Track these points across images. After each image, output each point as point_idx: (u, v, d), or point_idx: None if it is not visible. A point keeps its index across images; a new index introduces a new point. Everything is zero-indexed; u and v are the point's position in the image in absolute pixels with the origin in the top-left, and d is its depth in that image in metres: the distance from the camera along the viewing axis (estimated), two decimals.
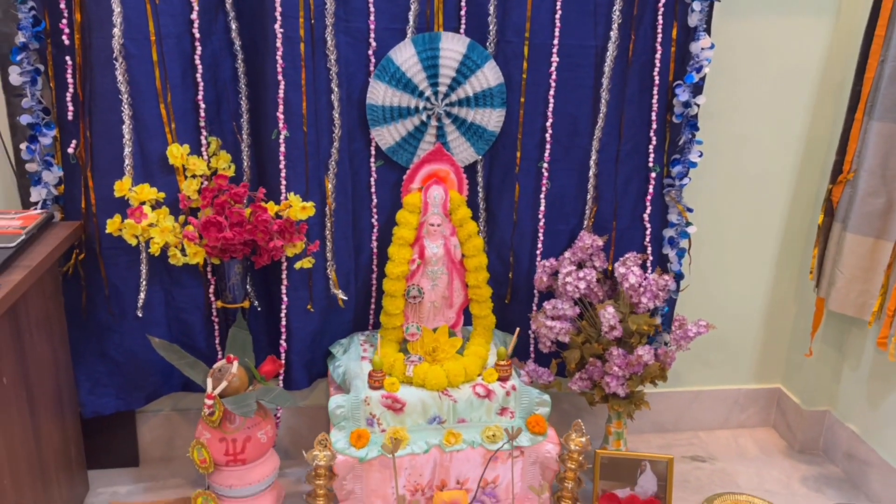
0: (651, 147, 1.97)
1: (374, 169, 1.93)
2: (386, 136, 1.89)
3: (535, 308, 2.07)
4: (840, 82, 2.09)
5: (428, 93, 1.86)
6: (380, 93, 1.84)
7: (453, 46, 1.83)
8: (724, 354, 2.39)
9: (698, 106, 1.92)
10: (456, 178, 1.93)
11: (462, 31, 1.85)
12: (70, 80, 1.71)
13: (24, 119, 1.71)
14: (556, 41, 1.85)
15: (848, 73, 2.03)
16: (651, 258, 2.06)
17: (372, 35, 1.81)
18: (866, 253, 1.96)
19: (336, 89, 1.82)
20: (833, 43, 2.07)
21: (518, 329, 1.98)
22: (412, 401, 1.80)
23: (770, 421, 2.50)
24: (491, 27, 1.85)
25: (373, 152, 1.92)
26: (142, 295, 1.86)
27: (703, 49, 1.87)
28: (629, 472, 1.94)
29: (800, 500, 2.13)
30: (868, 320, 2.02)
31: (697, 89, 1.91)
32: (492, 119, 1.91)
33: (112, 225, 1.74)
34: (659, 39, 1.88)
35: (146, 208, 1.73)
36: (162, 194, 1.77)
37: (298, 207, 1.80)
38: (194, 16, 1.70)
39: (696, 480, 2.21)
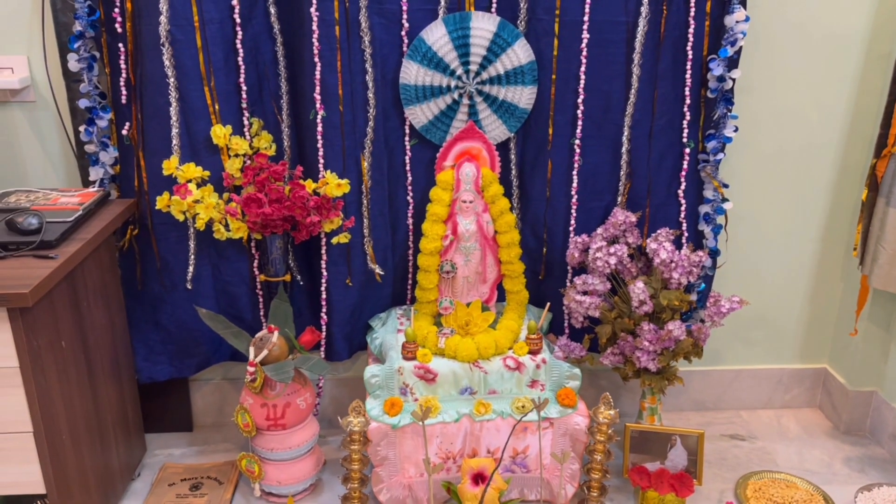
0: (685, 122, 1.96)
1: (408, 147, 1.99)
2: (419, 114, 1.94)
3: (568, 284, 2.09)
4: (886, 53, 2.02)
5: (459, 71, 1.90)
6: (412, 72, 1.89)
7: (484, 25, 1.87)
8: (766, 333, 2.35)
9: (733, 80, 1.90)
10: (488, 155, 1.97)
11: (493, 9, 1.88)
12: (123, 66, 1.82)
13: (83, 103, 1.83)
14: (586, 17, 1.86)
15: (894, 44, 1.96)
16: (686, 234, 2.06)
17: (405, 16, 1.86)
18: None
19: (370, 70, 1.87)
20: (878, 12, 2.00)
21: (549, 304, 2.01)
22: (444, 371, 1.86)
23: (816, 401, 2.45)
24: (521, 5, 1.87)
25: (407, 131, 1.97)
26: (190, 268, 1.97)
27: (737, 22, 1.84)
28: (659, 446, 1.95)
29: (841, 479, 2.10)
30: None
31: (732, 63, 1.89)
32: (523, 96, 1.94)
33: (161, 201, 1.85)
34: (692, 13, 1.86)
35: (191, 186, 1.84)
36: (207, 172, 1.87)
37: (334, 184, 1.88)
38: (235, 2, 1.78)
39: (734, 458, 2.20)
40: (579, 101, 1.94)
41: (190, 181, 1.84)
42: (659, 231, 1.97)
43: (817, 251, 2.27)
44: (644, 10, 1.85)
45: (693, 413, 2.42)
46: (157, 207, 1.86)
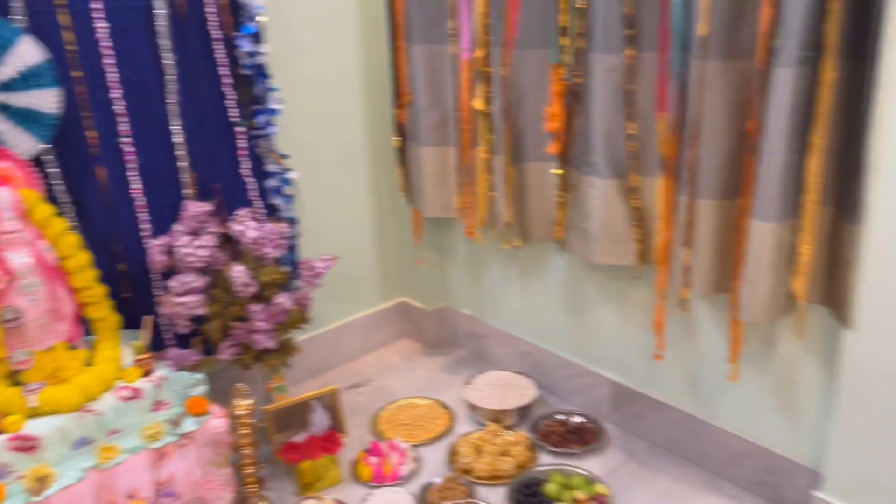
0: (230, 102, 1.97)
1: None
2: None
3: (160, 292, 1.94)
4: (376, 17, 2.30)
5: None
6: None
7: None
8: (350, 286, 2.54)
9: (264, 55, 1.96)
10: (23, 174, 1.68)
11: None
12: None
13: None
14: (96, 4, 1.71)
15: (380, 10, 2.26)
16: (263, 211, 2.08)
17: None
18: (437, 160, 2.26)
19: None
20: None
21: (146, 318, 1.84)
22: (47, 432, 1.57)
23: (406, 332, 2.76)
24: None
25: None
26: None
27: None
28: (302, 416, 1.98)
29: (446, 385, 2.43)
30: (454, 217, 2.35)
31: (259, 38, 1.95)
32: (45, 100, 1.69)
33: None
34: None
35: None
36: None
37: None
38: None
39: (361, 404, 2.36)
40: (112, 96, 1.78)
41: None
42: (237, 213, 1.95)
43: (372, 200, 2.53)
44: None
45: (311, 380, 2.51)
46: None
